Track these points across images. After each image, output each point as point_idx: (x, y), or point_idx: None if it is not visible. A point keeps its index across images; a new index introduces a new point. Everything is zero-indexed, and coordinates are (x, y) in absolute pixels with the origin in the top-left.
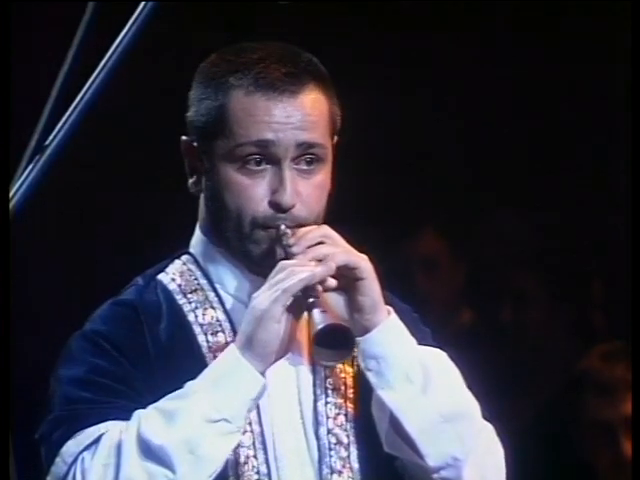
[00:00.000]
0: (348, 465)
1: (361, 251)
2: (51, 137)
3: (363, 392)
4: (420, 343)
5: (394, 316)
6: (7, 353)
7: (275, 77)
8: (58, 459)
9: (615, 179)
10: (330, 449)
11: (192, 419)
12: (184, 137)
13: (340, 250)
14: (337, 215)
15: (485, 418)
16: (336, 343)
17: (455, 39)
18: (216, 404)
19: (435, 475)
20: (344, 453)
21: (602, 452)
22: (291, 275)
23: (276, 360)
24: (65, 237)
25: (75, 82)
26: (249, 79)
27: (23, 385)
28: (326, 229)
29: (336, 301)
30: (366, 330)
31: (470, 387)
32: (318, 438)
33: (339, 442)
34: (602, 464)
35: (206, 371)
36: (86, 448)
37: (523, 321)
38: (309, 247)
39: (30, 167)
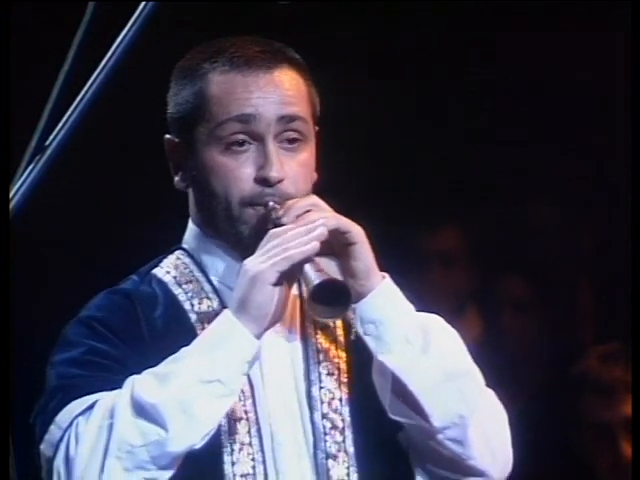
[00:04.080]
0: (343, 449)
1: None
2: (51, 137)
3: (357, 376)
4: None
5: (389, 280)
6: (7, 353)
7: (250, 54)
8: (52, 426)
9: (615, 182)
10: (325, 434)
11: (186, 379)
12: (167, 136)
13: (330, 215)
14: (356, 208)
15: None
16: (333, 299)
17: (457, 37)
18: (210, 366)
19: (440, 436)
20: (339, 438)
21: (601, 453)
22: (290, 243)
23: (270, 325)
24: (65, 237)
25: (75, 82)
26: (223, 60)
27: (23, 384)
28: (314, 198)
29: (328, 267)
30: (362, 296)
31: None
32: (313, 423)
33: (334, 427)
34: (601, 465)
35: (200, 336)
36: (81, 413)
37: (521, 323)
38: (298, 216)
39: (30, 167)
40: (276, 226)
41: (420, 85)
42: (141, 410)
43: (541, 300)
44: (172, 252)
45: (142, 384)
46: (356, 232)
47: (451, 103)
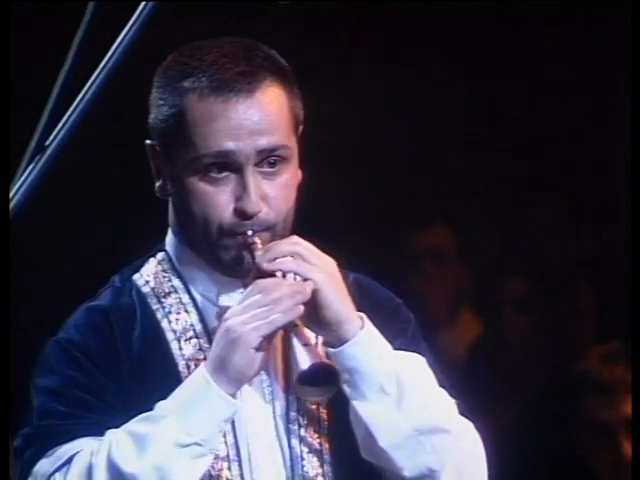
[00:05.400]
0: (321, 474)
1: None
2: (51, 137)
3: (337, 398)
4: (397, 336)
5: (368, 326)
6: (7, 353)
7: (229, 77)
8: (30, 479)
9: (615, 182)
10: (302, 458)
11: (163, 444)
12: (148, 141)
13: (291, 260)
14: (348, 208)
15: (464, 414)
16: (320, 380)
17: (457, 36)
18: (187, 428)
19: None
20: (317, 462)
21: (602, 453)
22: (275, 305)
23: (248, 381)
24: (65, 237)
25: (75, 82)
26: (203, 82)
27: (23, 385)
28: (296, 244)
29: (303, 324)
30: (339, 341)
31: (462, 386)
32: (291, 447)
33: (312, 450)
34: (602, 465)
35: (176, 393)
36: (58, 469)
37: (520, 324)
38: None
39: (30, 167)
40: (253, 259)
41: (418, 85)
42: (118, 477)
43: (541, 300)
44: (154, 255)
45: (119, 447)
46: (317, 279)
47: (448, 102)
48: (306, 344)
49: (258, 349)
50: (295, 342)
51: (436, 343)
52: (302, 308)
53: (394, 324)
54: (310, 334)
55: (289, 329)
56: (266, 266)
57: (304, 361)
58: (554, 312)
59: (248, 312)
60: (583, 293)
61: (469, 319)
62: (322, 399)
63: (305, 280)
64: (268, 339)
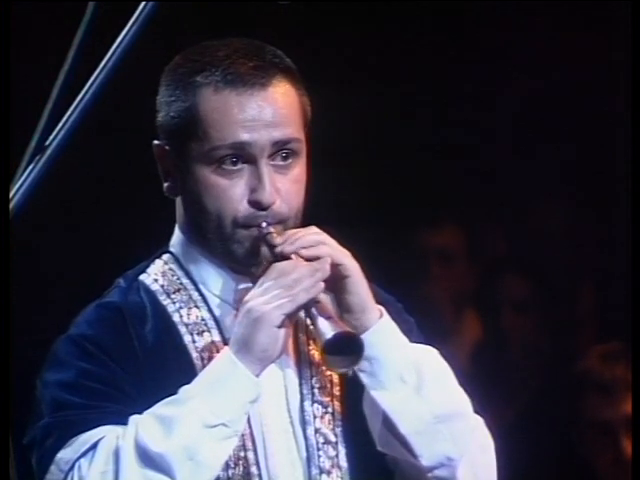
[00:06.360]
0: (337, 464)
1: (351, 252)
2: (51, 137)
3: (350, 389)
4: (405, 334)
5: (387, 317)
6: (7, 353)
7: (243, 71)
8: (53, 467)
9: (616, 180)
10: (318, 449)
11: (190, 425)
12: (156, 141)
13: (325, 245)
14: (356, 206)
15: (476, 412)
16: (345, 349)
17: (458, 38)
18: (214, 409)
19: (429, 474)
20: (332, 452)
21: (602, 452)
22: (296, 284)
23: (272, 362)
24: (65, 237)
25: (75, 82)
26: (217, 76)
27: (23, 385)
28: (318, 233)
29: (325, 301)
30: (358, 329)
31: (464, 386)
32: (306, 438)
33: (327, 441)
34: (602, 464)
35: (201, 375)
36: (82, 455)
37: (520, 324)
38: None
39: (30, 167)
40: (272, 253)
41: (420, 84)
42: (147, 459)
43: (541, 300)
44: (159, 256)
45: (146, 429)
46: (349, 265)
47: (451, 102)
48: (329, 317)
49: (281, 327)
50: (318, 317)
51: (439, 343)
52: (322, 285)
53: (400, 324)
54: (330, 308)
55: (311, 306)
56: (305, 253)
57: (328, 331)
58: (554, 312)
59: (269, 293)
60: (583, 293)
61: (472, 320)
62: (348, 369)
63: (338, 265)
64: (290, 318)
